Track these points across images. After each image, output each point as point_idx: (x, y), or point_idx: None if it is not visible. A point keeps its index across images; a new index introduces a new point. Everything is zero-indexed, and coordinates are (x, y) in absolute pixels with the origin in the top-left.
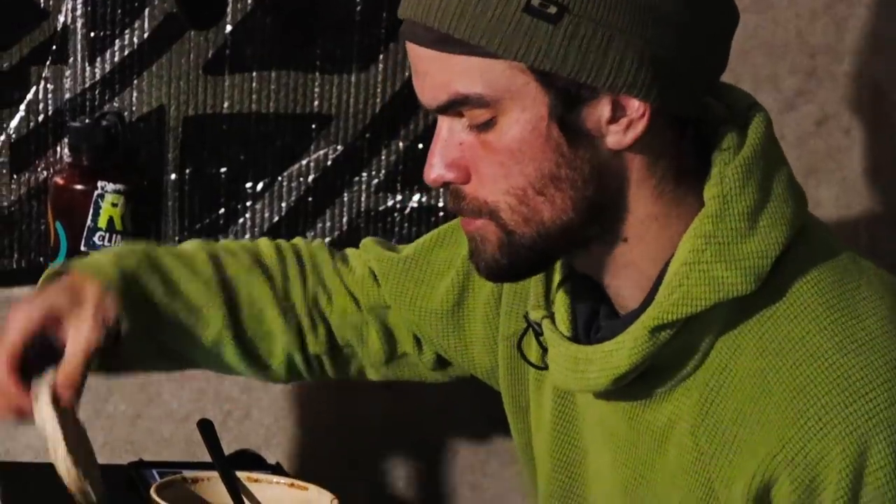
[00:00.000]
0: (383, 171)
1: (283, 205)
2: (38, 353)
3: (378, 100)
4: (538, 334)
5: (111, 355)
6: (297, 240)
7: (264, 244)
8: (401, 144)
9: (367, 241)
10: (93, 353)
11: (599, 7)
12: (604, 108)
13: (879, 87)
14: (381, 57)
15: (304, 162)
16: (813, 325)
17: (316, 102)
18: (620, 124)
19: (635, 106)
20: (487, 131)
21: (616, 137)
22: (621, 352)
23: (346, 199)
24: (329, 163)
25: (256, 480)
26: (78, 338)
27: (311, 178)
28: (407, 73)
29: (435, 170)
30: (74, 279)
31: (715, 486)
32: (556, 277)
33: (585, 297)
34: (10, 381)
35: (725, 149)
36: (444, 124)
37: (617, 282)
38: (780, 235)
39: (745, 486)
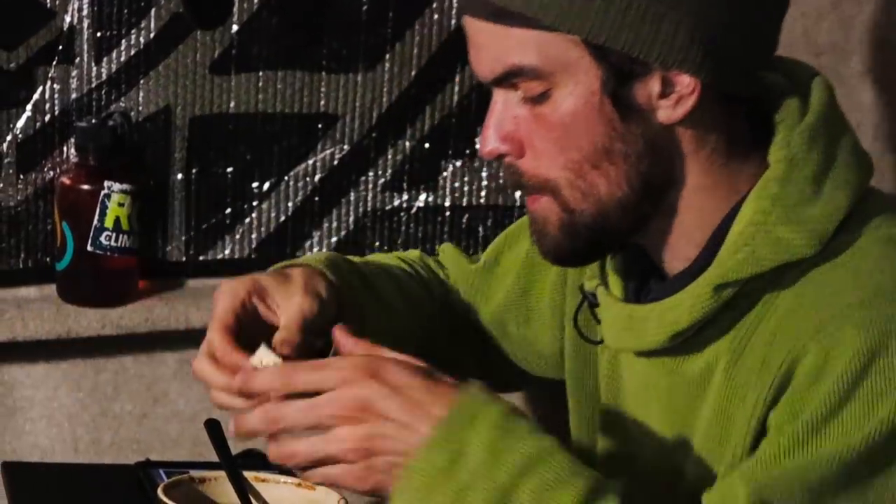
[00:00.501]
0: (390, 171)
1: (290, 204)
2: (248, 328)
3: (384, 99)
4: (593, 306)
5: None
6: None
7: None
8: (407, 144)
9: (446, 248)
10: (308, 318)
11: None
12: (655, 84)
13: (886, 86)
14: (387, 56)
15: (310, 161)
16: (860, 257)
17: (322, 102)
18: (671, 99)
19: (686, 82)
20: (542, 104)
21: (667, 112)
22: (681, 308)
23: (352, 198)
24: (335, 162)
25: (264, 480)
26: (290, 305)
27: (317, 177)
28: (414, 73)
29: (490, 142)
30: (280, 269)
31: (735, 417)
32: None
33: (637, 264)
34: (228, 349)
35: (790, 115)
36: (500, 97)
37: (666, 249)
38: (844, 199)
39: (763, 388)
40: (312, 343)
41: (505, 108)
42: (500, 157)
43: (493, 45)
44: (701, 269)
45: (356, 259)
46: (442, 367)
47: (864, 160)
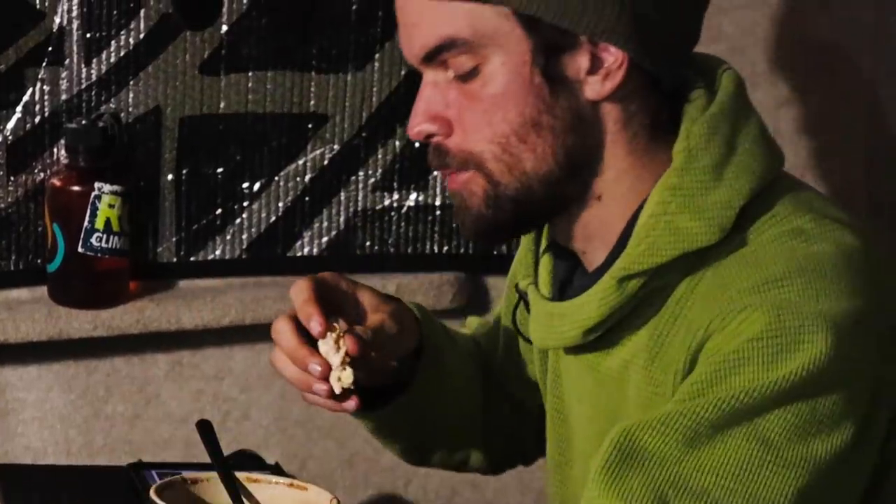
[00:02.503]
0: (380, 171)
1: (280, 205)
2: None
3: (374, 99)
4: (527, 304)
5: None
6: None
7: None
8: (397, 143)
9: (471, 320)
10: (387, 334)
11: None
12: (584, 59)
13: (877, 84)
14: (377, 56)
15: (300, 162)
16: (763, 248)
17: (312, 102)
18: (599, 75)
19: (613, 56)
20: (472, 80)
21: (594, 88)
22: (591, 304)
23: (342, 198)
24: (326, 162)
25: (256, 481)
26: (374, 317)
27: (307, 177)
28: (403, 72)
29: (418, 122)
30: None
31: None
32: (541, 247)
33: (564, 262)
34: (297, 345)
35: (694, 106)
36: (429, 78)
37: (590, 244)
38: (744, 186)
39: (675, 373)
40: (387, 362)
41: (434, 89)
42: (429, 138)
43: (425, 20)
44: (612, 263)
45: None
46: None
47: (771, 149)
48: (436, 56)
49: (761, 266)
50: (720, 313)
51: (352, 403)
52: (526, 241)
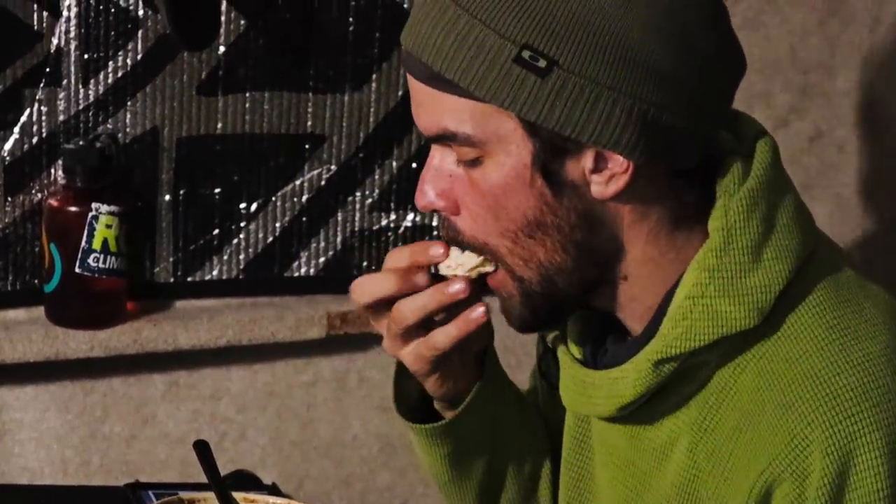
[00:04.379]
0: (377, 191)
1: (278, 225)
2: None
3: (371, 119)
4: (555, 357)
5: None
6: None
7: None
8: (394, 164)
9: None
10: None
11: (590, 63)
12: (588, 159)
13: (872, 103)
14: (374, 77)
15: (297, 182)
16: (811, 346)
17: (309, 123)
18: (603, 175)
19: (619, 161)
20: (475, 168)
21: (599, 188)
22: (626, 381)
23: (339, 218)
24: (323, 183)
25: (253, 501)
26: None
27: (304, 198)
28: (400, 93)
29: (426, 196)
30: None
31: (703, 502)
32: None
33: (595, 321)
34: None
35: (730, 180)
36: (437, 153)
37: (622, 313)
38: (784, 268)
39: (742, 502)
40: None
41: (441, 164)
42: (436, 212)
43: (429, 106)
44: (648, 338)
45: None
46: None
47: (806, 219)
48: (439, 141)
49: (817, 378)
50: (787, 447)
51: (481, 309)
52: None
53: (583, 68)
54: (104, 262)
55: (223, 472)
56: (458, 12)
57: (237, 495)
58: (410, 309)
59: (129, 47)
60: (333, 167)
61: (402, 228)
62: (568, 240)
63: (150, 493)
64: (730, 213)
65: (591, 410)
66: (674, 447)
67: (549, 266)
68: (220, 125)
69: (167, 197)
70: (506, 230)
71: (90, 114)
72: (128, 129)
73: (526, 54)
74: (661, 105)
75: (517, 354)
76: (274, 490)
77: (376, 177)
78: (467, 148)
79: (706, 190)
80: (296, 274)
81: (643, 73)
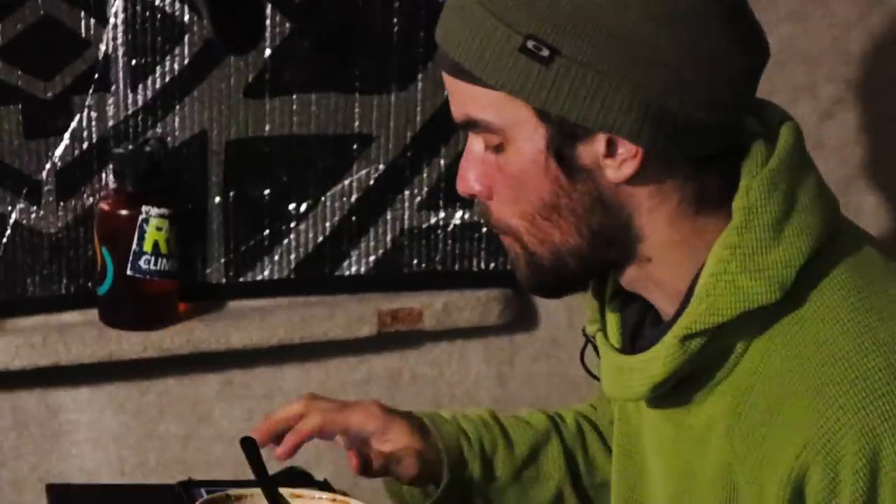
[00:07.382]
0: (425, 189)
1: (327, 225)
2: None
3: (419, 118)
4: (595, 349)
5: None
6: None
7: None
8: (442, 162)
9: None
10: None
11: (591, 51)
12: (600, 144)
13: None
14: (419, 76)
15: (346, 182)
16: (837, 327)
17: (357, 123)
18: (616, 160)
19: (628, 146)
20: (499, 154)
21: (612, 172)
22: (657, 360)
23: (389, 217)
24: (371, 182)
25: (300, 496)
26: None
27: (353, 197)
28: (446, 92)
29: (465, 182)
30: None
31: (740, 486)
32: (609, 292)
33: (633, 308)
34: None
35: (753, 162)
36: (472, 140)
37: (653, 295)
38: (804, 244)
39: (778, 488)
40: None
41: (475, 150)
42: (474, 196)
43: (456, 96)
44: (678, 318)
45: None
46: None
47: (829, 201)
48: (467, 128)
49: (846, 360)
50: (819, 434)
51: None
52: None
53: (584, 56)
54: (155, 263)
55: (276, 469)
56: (475, 5)
57: (284, 491)
58: None
59: (176, 52)
60: (382, 166)
61: (451, 226)
62: (583, 223)
63: (202, 490)
64: (751, 192)
65: (628, 395)
66: (711, 432)
67: (562, 247)
68: (267, 127)
69: (217, 199)
70: (524, 212)
71: (139, 118)
72: (176, 133)
73: (530, 44)
74: (665, 93)
75: (568, 349)
76: (326, 486)
77: (424, 175)
78: (490, 134)
79: (731, 174)
80: (346, 273)
81: (646, 62)
